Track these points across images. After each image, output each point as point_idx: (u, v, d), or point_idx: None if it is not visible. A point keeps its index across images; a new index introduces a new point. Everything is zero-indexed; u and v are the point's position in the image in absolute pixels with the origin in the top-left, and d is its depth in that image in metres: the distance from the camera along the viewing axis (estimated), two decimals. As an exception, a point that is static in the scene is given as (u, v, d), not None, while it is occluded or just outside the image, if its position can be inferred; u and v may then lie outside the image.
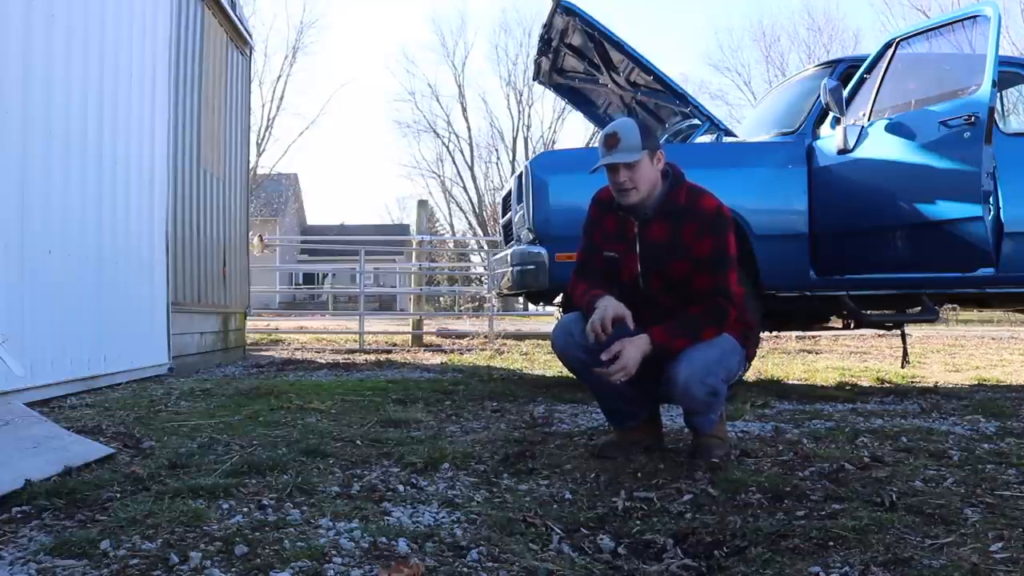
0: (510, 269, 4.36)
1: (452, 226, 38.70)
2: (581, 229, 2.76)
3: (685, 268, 2.50)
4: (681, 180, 2.57)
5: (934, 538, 1.72)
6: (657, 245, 2.53)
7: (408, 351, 8.58)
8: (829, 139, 4.27)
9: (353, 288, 18.54)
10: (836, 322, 4.91)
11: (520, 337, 10.19)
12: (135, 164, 4.91)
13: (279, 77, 31.82)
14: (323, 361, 6.96)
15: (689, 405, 2.53)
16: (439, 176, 38.04)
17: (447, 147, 37.44)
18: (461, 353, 8.10)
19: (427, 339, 9.90)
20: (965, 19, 3.92)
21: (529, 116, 36.96)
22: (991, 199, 3.97)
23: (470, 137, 37.28)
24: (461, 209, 38.08)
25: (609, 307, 2.42)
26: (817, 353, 8.18)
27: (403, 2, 68.61)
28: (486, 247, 14.85)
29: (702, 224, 2.50)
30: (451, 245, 29.75)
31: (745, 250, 4.24)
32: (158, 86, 5.27)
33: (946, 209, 3.78)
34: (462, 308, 24.28)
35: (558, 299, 5.40)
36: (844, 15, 56.18)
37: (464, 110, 37.65)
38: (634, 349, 2.37)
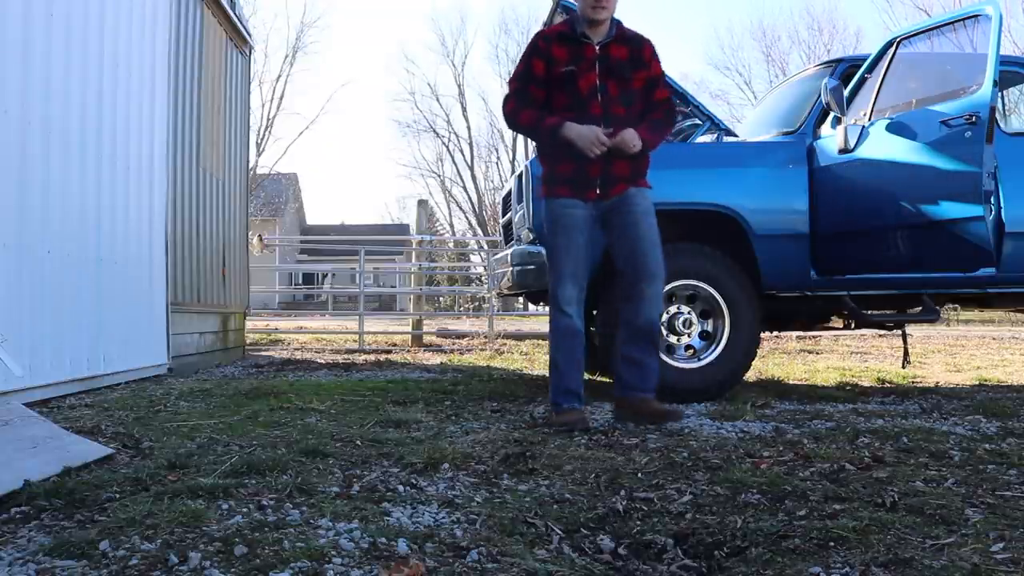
0: (510, 269, 4.36)
1: (452, 226, 38.74)
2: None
3: (643, 79, 3.25)
4: (620, 21, 3.28)
5: (935, 538, 1.71)
6: (620, 61, 3.22)
7: (408, 351, 8.57)
8: (830, 139, 4.26)
9: (353, 288, 18.54)
10: (837, 322, 4.90)
11: (520, 337, 10.18)
12: (134, 164, 4.91)
13: (279, 77, 31.85)
14: (323, 361, 6.96)
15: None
16: (439, 176, 38.11)
17: (447, 147, 37.51)
18: (461, 353, 8.09)
19: (427, 339, 9.89)
20: (966, 18, 3.91)
21: (529, 116, 36.87)
22: (992, 199, 3.97)
23: (470, 137, 37.35)
24: (461, 209, 38.13)
25: (585, 127, 3.09)
26: (818, 353, 8.18)
27: (403, 2, 68.62)
28: (486, 247, 14.84)
29: (653, 50, 3.31)
30: (451, 245, 29.75)
31: (746, 250, 4.23)
32: (157, 86, 5.27)
33: (947, 209, 3.78)
34: (462, 308, 24.29)
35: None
36: (845, 15, 56.13)
37: (464, 110, 37.75)
38: (632, 133, 3.10)
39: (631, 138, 3.11)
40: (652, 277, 3.21)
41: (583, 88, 3.18)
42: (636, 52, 3.26)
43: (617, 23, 3.26)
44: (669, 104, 3.37)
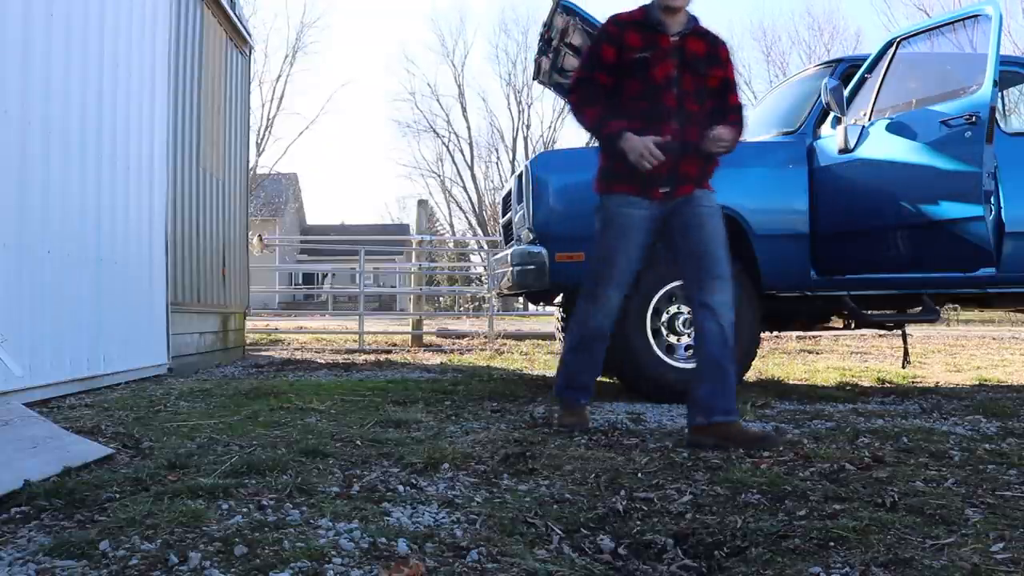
0: (510, 269, 4.36)
1: (452, 226, 38.70)
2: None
3: (719, 79, 3.05)
4: (697, 18, 3.07)
5: (935, 538, 1.71)
6: (697, 56, 3.01)
7: (408, 351, 8.57)
8: (830, 139, 4.27)
9: (353, 288, 18.54)
10: (837, 322, 4.90)
11: (520, 337, 10.18)
12: (134, 164, 4.91)
13: (279, 77, 31.79)
14: (323, 361, 6.96)
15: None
16: (439, 176, 38.07)
17: (447, 147, 37.47)
18: (461, 353, 8.09)
19: (427, 339, 9.89)
20: (966, 18, 3.91)
21: (529, 116, 37.00)
22: (992, 199, 3.97)
23: (470, 137, 37.31)
24: (461, 209, 38.10)
25: (639, 139, 2.87)
26: (818, 353, 8.18)
27: (403, 2, 68.66)
28: (486, 247, 14.84)
29: (728, 51, 3.13)
30: (451, 245, 29.75)
31: (746, 250, 4.23)
32: (157, 86, 5.27)
33: (947, 209, 3.78)
34: (462, 308, 24.29)
35: (558, 299, 5.40)
36: (846, 15, 56.09)
37: (464, 110, 37.71)
38: (726, 130, 2.92)
39: (725, 133, 2.90)
40: (723, 279, 2.92)
41: (658, 77, 2.95)
42: (713, 49, 3.06)
43: (694, 18, 3.04)
44: (743, 111, 3.14)
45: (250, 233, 8.18)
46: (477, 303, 24.02)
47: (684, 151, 2.94)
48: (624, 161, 2.95)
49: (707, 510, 1.98)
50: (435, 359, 7.25)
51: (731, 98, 3.10)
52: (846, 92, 4.16)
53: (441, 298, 25.18)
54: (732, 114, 3.06)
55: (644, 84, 2.97)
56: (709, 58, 3.03)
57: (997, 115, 3.87)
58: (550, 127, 36.57)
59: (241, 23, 7.31)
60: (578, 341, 3.16)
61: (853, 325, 4.81)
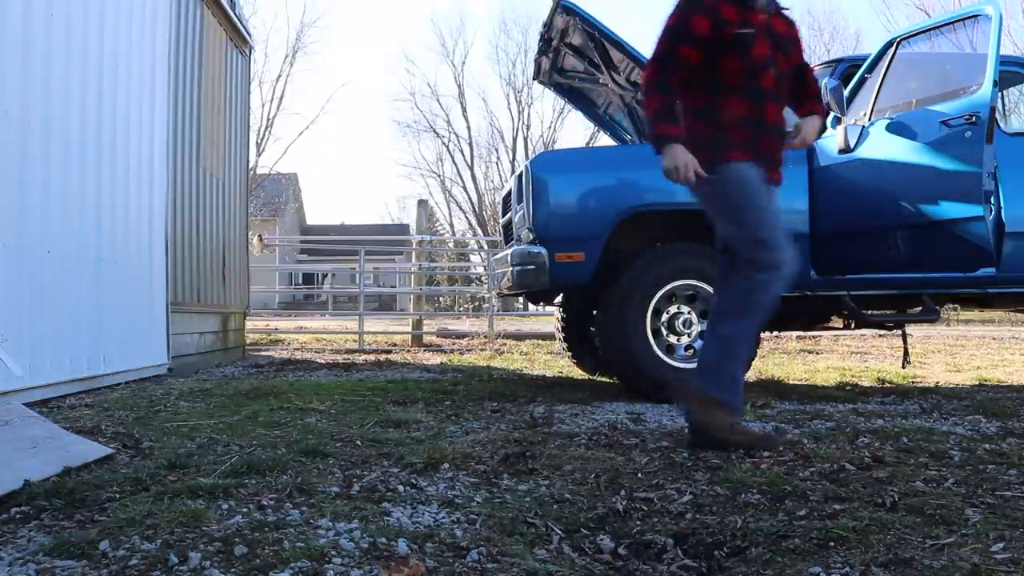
0: (510, 269, 4.36)
1: (452, 226, 38.71)
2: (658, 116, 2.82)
3: (799, 58, 2.98)
4: None
5: (935, 538, 1.71)
6: (782, 35, 2.90)
7: (408, 351, 8.58)
8: (830, 139, 4.27)
9: (353, 288, 18.54)
10: (837, 322, 4.90)
11: (520, 337, 10.18)
12: (134, 164, 4.91)
13: (279, 77, 31.81)
14: (323, 361, 6.96)
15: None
16: (439, 176, 38.07)
17: (447, 147, 37.48)
18: (461, 353, 8.09)
19: (427, 339, 9.89)
20: (966, 18, 3.91)
21: (529, 116, 36.99)
22: (992, 199, 3.97)
23: (470, 137, 37.31)
24: (461, 209, 38.10)
25: (687, 159, 2.71)
26: (818, 353, 8.18)
27: (403, 2, 68.66)
28: (486, 247, 14.85)
29: (799, 34, 3.03)
30: (451, 245, 29.76)
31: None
32: (157, 86, 5.27)
33: (947, 209, 3.78)
34: (462, 308, 24.29)
35: (558, 299, 5.41)
36: (846, 15, 56.07)
37: (464, 110, 37.73)
38: (812, 123, 2.95)
39: (813, 132, 2.94)
40: None
41: (756, 56, 2.75)
42: (791, 30, 2.93)
43: None
44: (818, 85, 3.07)
45: (250, 233, 8.18)
46: (477, 303, 24.03)
47: (777, 134, 2.85)
48: (740, 129, 2.77)
49: (707, 510, 1.98)
50: (435, 359, 7.25)
51: (812, 81, 3.03)
52: (846, 92, 4.16)
53: (441, 298, 25.18)
54: (816, 95, 3.03)
55: (743, 63, 2.75)
56: (791, 40, 2.92)
57: (997, 115, 3.87)
58: (550, 127, 36.69)
59: (241, 23, 7.31)
60: (750, 325, 2.88)
61: (853, 325, 4.80)
